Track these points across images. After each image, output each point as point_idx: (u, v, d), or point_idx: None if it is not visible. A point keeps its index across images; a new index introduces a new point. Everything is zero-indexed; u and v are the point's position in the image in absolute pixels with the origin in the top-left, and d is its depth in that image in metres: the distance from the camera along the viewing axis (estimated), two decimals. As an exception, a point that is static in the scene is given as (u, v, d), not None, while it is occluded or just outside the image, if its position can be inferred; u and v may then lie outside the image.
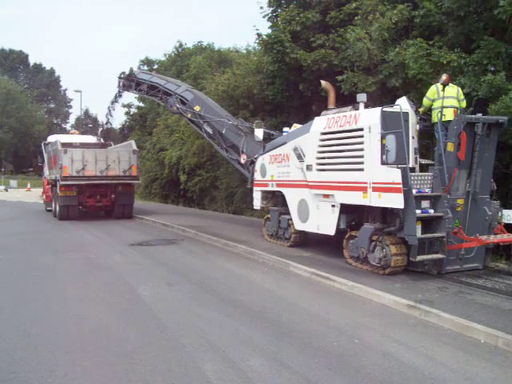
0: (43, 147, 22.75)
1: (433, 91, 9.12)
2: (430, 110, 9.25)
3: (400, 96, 11.04)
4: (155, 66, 34.90)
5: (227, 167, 19.05)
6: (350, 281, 7.94)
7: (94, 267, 9.71)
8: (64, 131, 64.65)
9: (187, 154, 22.82)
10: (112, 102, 21.92)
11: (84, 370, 4.72)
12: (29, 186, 44.42)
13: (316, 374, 4.68)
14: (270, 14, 16.08)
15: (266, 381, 4.52)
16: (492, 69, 9.99)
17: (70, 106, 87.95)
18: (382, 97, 11.64)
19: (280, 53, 14.21)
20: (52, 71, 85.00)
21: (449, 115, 8.69)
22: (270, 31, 15.00)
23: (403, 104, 8.74)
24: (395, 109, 8.42)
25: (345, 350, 5.32)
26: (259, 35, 15.16)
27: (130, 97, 25.06)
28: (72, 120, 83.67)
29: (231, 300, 7.27)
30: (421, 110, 9.44)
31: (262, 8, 16.00)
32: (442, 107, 8.78)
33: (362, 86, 11.63)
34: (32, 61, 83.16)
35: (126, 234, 14.48)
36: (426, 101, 9.28)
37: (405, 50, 10.81)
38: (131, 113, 37.71)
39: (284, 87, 15.26)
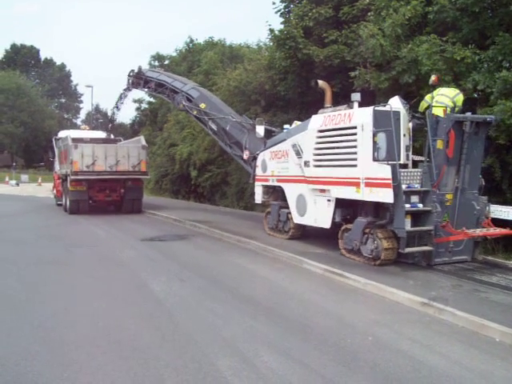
0: (54, 142, 22.88)
1: (429, 96, 9.38)
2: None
3: (413, 92, 11.02)
4: (166, 62, 34.92)
5: (238, 163, 19.05)
6: (364, 278, 7.91)
7: (106, 262, 9.78)
8: (75, 126, 64.97)
9: (198, 149, 22.80)
10: (120, 98, 22.09)
11: (98, 365, 4.73)
12: (40, 180, 44.68)
13: (330, 370, 4.67)
14: (282, 10, 16.03)
15: (281, 377, 4.51)
16: (507, 65, 9.90)
17: (81, 101, 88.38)
18: (395, 93, 11.54)
19: (292, 48, 14.15)
20: (63, 66, 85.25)
21: (438, 112, 8.79)
22: (282, 27, 14.96)
23: (395, 103, 9.08)
24: (386, 108, 8.74)
25: (359, 346, 5.31)
26: (271, 31, 15.09)
27: (141, 92, 25.14)
28: (83, 115, 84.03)
29: (244, 296, 7.27)
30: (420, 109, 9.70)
31: (274, 3, 15.96)
32: (432, 106, 8.91)
33: (375, 83, 11.57)
34: (43, 56, 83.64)
35: (136, 229, 14.53)
36: (422, 102, 9.58)
37: (418, 47, 10.71)
38: (142, 108, 37.83)
39: (296, 83, 15.21)
